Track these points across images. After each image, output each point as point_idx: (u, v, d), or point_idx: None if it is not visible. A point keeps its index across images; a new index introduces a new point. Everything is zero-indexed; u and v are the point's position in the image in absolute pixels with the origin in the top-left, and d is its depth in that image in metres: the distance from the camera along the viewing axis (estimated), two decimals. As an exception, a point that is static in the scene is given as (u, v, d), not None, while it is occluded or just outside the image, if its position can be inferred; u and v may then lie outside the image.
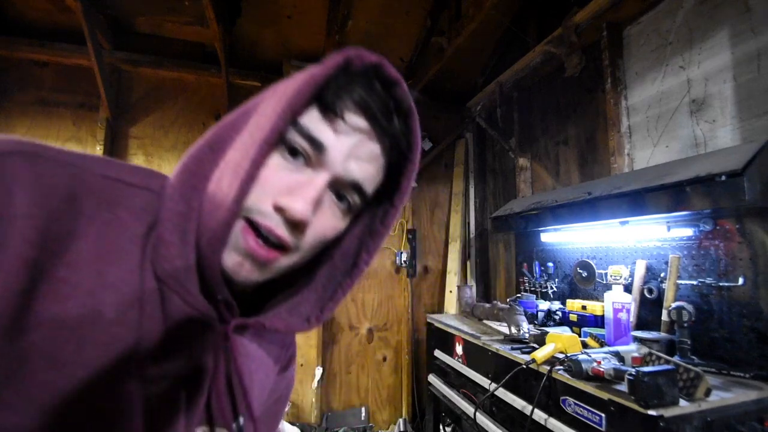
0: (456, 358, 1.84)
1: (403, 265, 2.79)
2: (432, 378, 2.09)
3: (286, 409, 0.50)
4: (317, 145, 0.37)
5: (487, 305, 1.97)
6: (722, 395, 0.98)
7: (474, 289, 2.77)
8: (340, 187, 0.40)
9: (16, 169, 0.30)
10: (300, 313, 0.42)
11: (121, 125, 2.33)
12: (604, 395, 1.01)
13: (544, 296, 2.04)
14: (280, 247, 0.37)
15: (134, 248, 0.34)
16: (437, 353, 2.07)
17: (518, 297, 2.00)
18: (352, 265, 0.44)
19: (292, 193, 0.36)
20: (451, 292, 2.76)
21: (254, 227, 0.37)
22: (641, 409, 0.90)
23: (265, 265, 0.38)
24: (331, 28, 2.29)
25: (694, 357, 1.22)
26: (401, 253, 2.80)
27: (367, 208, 0.45)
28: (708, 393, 0.95)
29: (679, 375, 0.98)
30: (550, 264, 2.04)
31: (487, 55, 2.78)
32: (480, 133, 2.98)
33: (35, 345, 0.29)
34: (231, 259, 0.37)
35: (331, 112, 0.38)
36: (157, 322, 0.34)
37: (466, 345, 1.75)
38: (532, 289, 2.14)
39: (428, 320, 2.26)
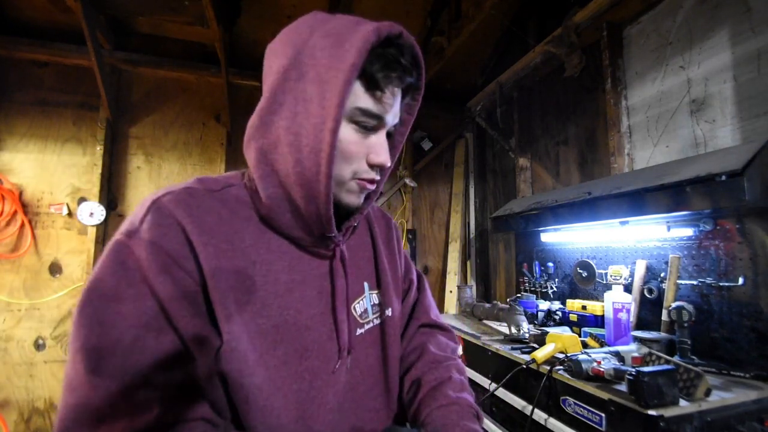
0: (456, 358, 1.84)
1: (403, 265, 2.79)
2: (432, 378, 2.09)
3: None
4: (379, 119, 0.53)
5: (487, 305, 1.97)
6: (722, 395, 0.98)
7: (474, 289, 2.77)
8: (389, 131, 0.57)
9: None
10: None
11: (121, 125, 2.33)
12: (604, 395, 1.01)
13: (544, 296, 2.04)
14: (375, 180, 0.57)
15: (254, 224, 0.55)
16: (437, 353, 2.06)
17: (518, 297, 2.00)
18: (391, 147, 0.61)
19: (376, 153, 0.54)
20: (451, 292, 2.76)
21: (362, 178, 0.55)
22: (641, 409, 0.90)
23: (371, 192, 0.59)
24: (331, 28, 2.29)
25: (694, 357, 1.22)
26: (401, 253, 2.79)
27: None
28: (708, 393, 0.95)
29: (679, 375, 0.98)
30: (550, 264, 2.04)
31: (487, 55, 2.78)
32: (480, 133, 2.98)
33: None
34: (350, 198, 0.56)
35: (378, 90, 0.51)
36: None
37: (466, 345, 1.75)
38: (532, 289, 2.14)
39: (428, 320, 2.25)
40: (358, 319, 0.63)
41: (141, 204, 0.49)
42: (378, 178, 0.57)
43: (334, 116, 0.47)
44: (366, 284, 0.66)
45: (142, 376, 0.41)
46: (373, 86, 0.50)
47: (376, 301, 0.67)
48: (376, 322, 0.66)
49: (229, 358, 0.47)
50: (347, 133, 0.51)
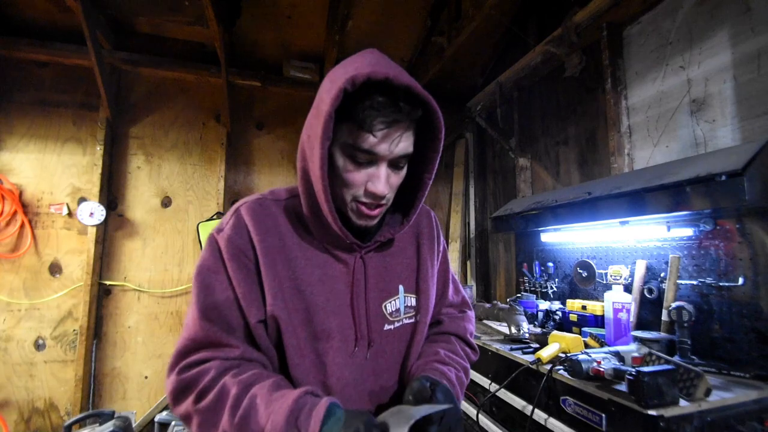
0: (456, 358, 1.84)
1: (403, 265, 2.79)
2: (432, 378, 2.09)
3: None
4: (372, 154, 0.60)
5: (487, 305, 1.97)
6: (722, 395, 0.98)
7: (474, 289, 2.77)
8: (395, 161, 0.63)
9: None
10: (395, 223, 0.74)
11: (121, 125, 2.33)
12: (604, 395, 1.01)
13: (544, 296, 2.04)
14: (379, 206, 0.65)
15: (301, 229, 0.69)
16: (437, 353, 2.06)
17: (518, 297, 2.00)
18: (421, 183, 0.70)
19: (372, 182, 0.62)
20: (451, 292, 2.75)
21: (363, 203, 0.64)
22: (641, 409, 0.90)
23: (374, 217, 0.67)
24: (331, 28, 2.29)
25: (694, 357, 1.22)
26: (401, 253, 2.79)
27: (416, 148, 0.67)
28: (708, 393, 0.95)
29: (679, 375, 0.98)
30: (550, 264, 2.04)
31: (487, 55, 2.78)
32: (480, 133, 2.98)
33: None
34: (359, 221, 0.66)
35: (366, 131, 0.58)
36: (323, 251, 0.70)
37: (466, 345, 1.75)
38: (532, 289, 2.14)
39: (428, 320, 2.25)
40: (388, 316, 0.72)
41: (231, 209, 0.69)
42: (376, 203, 0.64)
43: (319, 155, 0.59)
44: (401, 287, 0.74)
45: (229, 323, 0.62)
46: (360, 126, 0.58)
47: (412, 304, 0.75)
48: (407, 321, 0.74)
49: (271, 323, 0.63)
50: (344, 163, 0.62)
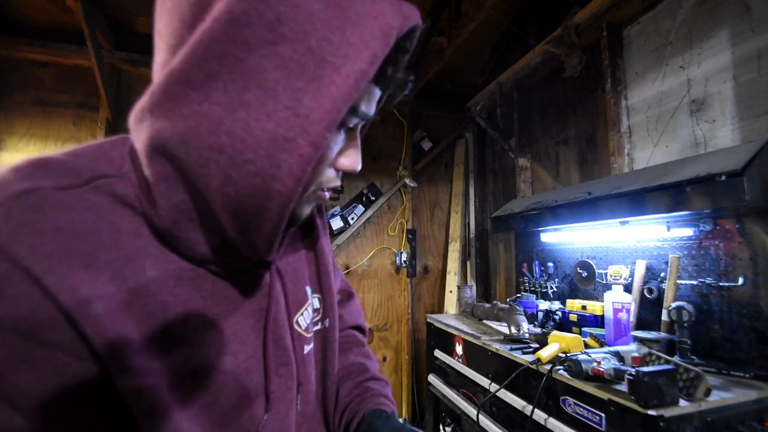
0: (456, 358, 1.84)
1: (403, 265, 2.79)
2: (432, 378, 2.09)
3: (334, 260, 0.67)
4: (366, 118, 0.39)
5: (487, 305, 1.97)
6: (722, 395, 0.98)
7: (474, 289, 2.77)
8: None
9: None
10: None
11: (121, 125, 2.33)
12: (604, 395, 1.01)
13: (544, 296, 2.04)
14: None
15: (152, 245, 0.38)
16: (437, 353, 2.07)
17: (518, 297, 2.00)
18: None
19: (350, 157, 0.40)
20: (451, 292, 2.76)
21: (325, 188, 0.41)
22: (641, 409, 0.90)
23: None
24: (331, 28, 2.29)
25: (694, 357, 1.22)
26: (401, 253, 2.80)
27: None
28: (708, 393, 0.95)
29: (679, 375, 0.98)
30: (550, 264, 2.04)
31: (487, 55, 2.78)
32: (480, 133, 2.98)
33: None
34: (303, 209, 0.43)
35: (378, 88, 0.38)
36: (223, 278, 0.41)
37: (466, 345, 1.75)
38: (532, 289, 2.14)
39: (428, 320, 2.26)
40: (304, 333, 0.50)
41: None
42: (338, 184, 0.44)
43: (331, 118, 0.31)
44: (308, 288, 0.53)
45: None
46: (377, 82, 0.37)
47: (316, 306, 0.55)
48: (314, 329, 0.54)
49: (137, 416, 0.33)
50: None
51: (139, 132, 0.35)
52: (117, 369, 0.31)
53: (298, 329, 0.49)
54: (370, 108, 0.38)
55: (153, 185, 0.35)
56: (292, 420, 0.46)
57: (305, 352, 0.50)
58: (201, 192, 0.34)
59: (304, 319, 0.51)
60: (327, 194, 0.42)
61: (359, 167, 0.41)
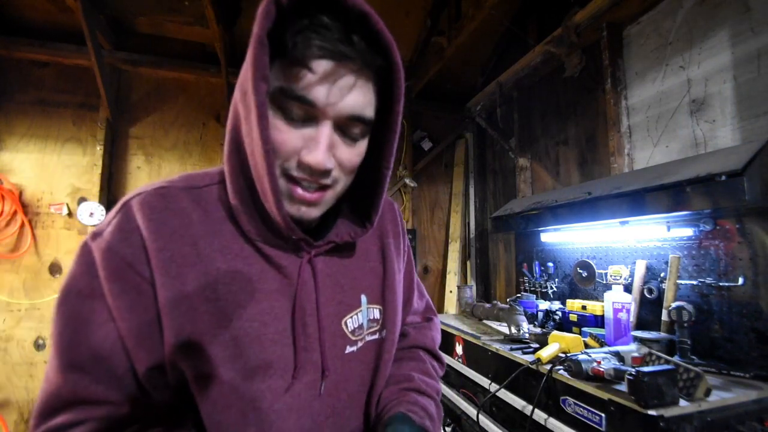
0: (456, 358, 1.84)
1: (403, 265, 2.79)
2: (432, 378, 2.09)
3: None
4: (307, 102, 0.42)
5: (487, 305, 1.97)
6: (722, 395, 0.98)
7: (474, 289, 2.77)
8: (343, 125, 0.45)
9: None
10: (354, 222, 0.57)
11: (121, 125, 2.33)
12: (604, 395, 1.01)
13: (544, 296, 2.04)
14: (321, 187, 0.47)
15: (227, 226, 0.49)
16: (437, 353, 2.06)
17: (518, 297, 2.00)
18: (379, 176, 0.53)
19: (308, 148, 0.44)
20: (451, 292, 2.76)
21: (296, 180, 0.46)
22: (641, 409, 0.90)
23: (316, 204, 0.48)
24: (331, 28, 2.29)
25: (694, 357, 1.22)
26: (401, 253, 2.79)
27: (378, 121, 0.49)
28: (708, 393, 0.95)
29: (679, 375, 0.98)
30: (550, 264, 2.04)
31: (487, 55, 2.78)
32: (480, 133, 2.98)
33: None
34: (290, 208, 0.47)
35: (300, 66, 0.41)
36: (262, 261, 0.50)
37: (466, 345, 1.75)
38: (532, 289, 2.14)
39: (428, 320, 2.25)
40: (350, 335, 0.55)
41: (119, 202, 0.48)
42: (315, 180, 0.46)
43: (255, 103, 0.40)
44: (364, 297, 0.58)
45: (108, 370, 0.43)
46: (293, 59, 0.40)
47: (376, 317, 0.59)
48: (369, 338, 0.58)
49: (176, 367, 0.45)
50: (275, 121, 0.43)
51: (226, 141, 0.49)
52: (161, 296, 0.44)
53: (344, 329, 0.55)
54: (303, 88, 0.41)
55: (227, 178, 0.49)
56: (311, 404, 0.51)
57: (346, 351, 0.55)
58: (249, 172, 0.47)
59: (353, 322, 0.56)
60: (301, 192, 0.46)
61: (322, 163, 0.43)
